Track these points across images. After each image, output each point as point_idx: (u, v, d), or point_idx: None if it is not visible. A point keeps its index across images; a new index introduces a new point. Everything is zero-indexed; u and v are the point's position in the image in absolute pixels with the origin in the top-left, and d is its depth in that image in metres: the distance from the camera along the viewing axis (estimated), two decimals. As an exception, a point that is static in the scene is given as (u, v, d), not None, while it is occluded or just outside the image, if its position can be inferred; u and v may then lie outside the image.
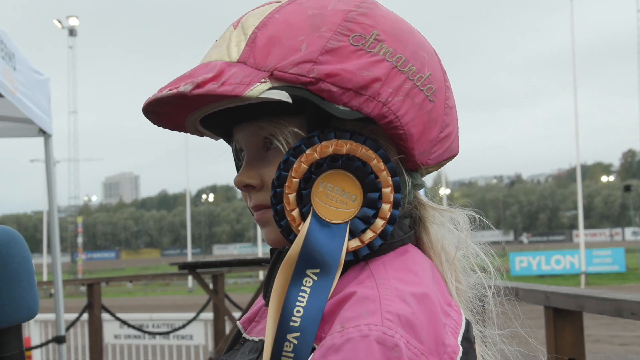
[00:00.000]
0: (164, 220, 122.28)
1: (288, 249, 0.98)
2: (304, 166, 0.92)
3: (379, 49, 0.93)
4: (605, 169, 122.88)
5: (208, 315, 8.69)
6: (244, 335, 1.09)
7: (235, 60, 0.94)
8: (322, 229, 0.91)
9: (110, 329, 9.05)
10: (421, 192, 1.06)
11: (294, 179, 0.92)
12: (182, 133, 1.08)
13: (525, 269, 31.66)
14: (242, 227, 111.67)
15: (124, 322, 8.67)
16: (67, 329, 5.79)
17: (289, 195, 0.92)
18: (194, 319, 8.63)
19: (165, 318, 9.23)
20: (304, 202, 0.93)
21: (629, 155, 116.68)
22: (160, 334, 8.76)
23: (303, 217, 0.93)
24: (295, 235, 0.93)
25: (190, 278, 26.57)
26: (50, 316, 8.48)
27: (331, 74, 0.91)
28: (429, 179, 1.07)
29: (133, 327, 8.63)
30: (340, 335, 0.84)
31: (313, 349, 0.87)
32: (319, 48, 0.91)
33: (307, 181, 0.93)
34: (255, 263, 7.15)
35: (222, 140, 1.10)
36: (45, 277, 35.80)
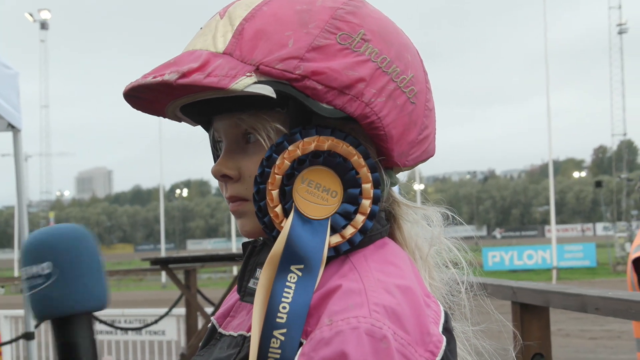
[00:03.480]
0: (138, 215, 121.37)
1: (263, 243, 0.99)
2: (287, 163, 0.92)
3: (365, 49, 0.94)
4: (577, 165, 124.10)
5: (180, 310, 8.66)
6: (220, 330, 1.08)
7: (221, 51, 0.93)
8: (304, 225, 0.92)
9: (82, 325, 8.97)
10: (395, 188, 1.07)
11: (277, 176, 0.92)
12: (157, 127, 1.09)
13: (497, 264, 31.94)
14: (216, 222, 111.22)
15: (95, 318, 8.60)
16: (37, 325, 5.74)
17: (272, 191, 0.93)
18: (166, 314, 8.59)
19: (138, 314, 9.18)
20: (286, 199, 0.93)
21: (600, 151, 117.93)
22: (133, 329, 8.71)
23: (286, 214, 0.93)
24: (278, 232, 0.93)
25: (163, 273, 26.42)
26: (20, 312, 8.39)
27: (317, 71, 0.91)
28: (403, 175, 1.08)
29: (105, 322, 8.57)
30: (330, 329, 0.85)
31: (300, 344, 0.87)
32: (306, 45, 0.92)
33: (290, 177, 0.93)
34: (228, 258, 7.14)
35: (198, 131, 1.09)
36: (16, 273, 35.37)
